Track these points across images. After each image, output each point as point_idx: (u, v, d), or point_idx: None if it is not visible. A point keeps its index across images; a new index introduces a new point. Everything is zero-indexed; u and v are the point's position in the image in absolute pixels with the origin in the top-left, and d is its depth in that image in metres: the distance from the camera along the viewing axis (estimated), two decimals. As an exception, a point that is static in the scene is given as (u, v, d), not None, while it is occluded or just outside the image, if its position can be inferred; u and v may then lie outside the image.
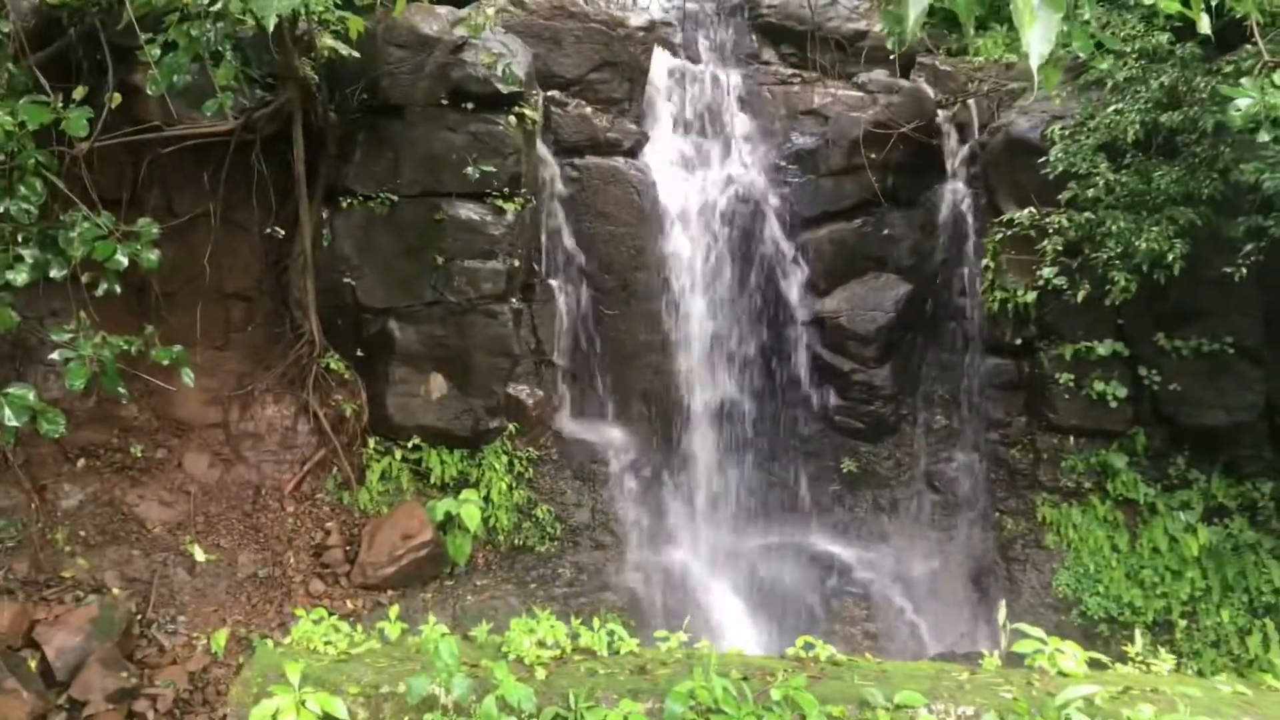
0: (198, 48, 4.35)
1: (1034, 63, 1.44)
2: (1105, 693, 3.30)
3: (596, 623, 3.88)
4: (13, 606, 6.01)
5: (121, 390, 4.55)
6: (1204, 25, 2.92)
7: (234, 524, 7.06)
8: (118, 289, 4.62)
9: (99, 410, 6.99)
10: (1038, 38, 1.40)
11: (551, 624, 3.80)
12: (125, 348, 4.42)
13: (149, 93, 4.75)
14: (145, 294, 6.93)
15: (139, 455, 7.06)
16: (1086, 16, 3.46)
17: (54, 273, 4.33)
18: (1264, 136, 4.06)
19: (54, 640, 5.98)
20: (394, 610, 4.13)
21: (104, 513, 6.81)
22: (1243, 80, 3.63)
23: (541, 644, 3.70)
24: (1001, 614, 3.75)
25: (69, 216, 4.41)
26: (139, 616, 6.40)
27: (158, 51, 4.34)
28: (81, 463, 6.90)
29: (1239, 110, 3.55)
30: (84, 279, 4.61)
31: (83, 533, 6.65)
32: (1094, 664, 3.72)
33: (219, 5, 4.26)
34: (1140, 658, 3.77)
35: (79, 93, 5.17)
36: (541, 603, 6.86)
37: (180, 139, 6.50)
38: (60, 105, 4.26)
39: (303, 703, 3.22)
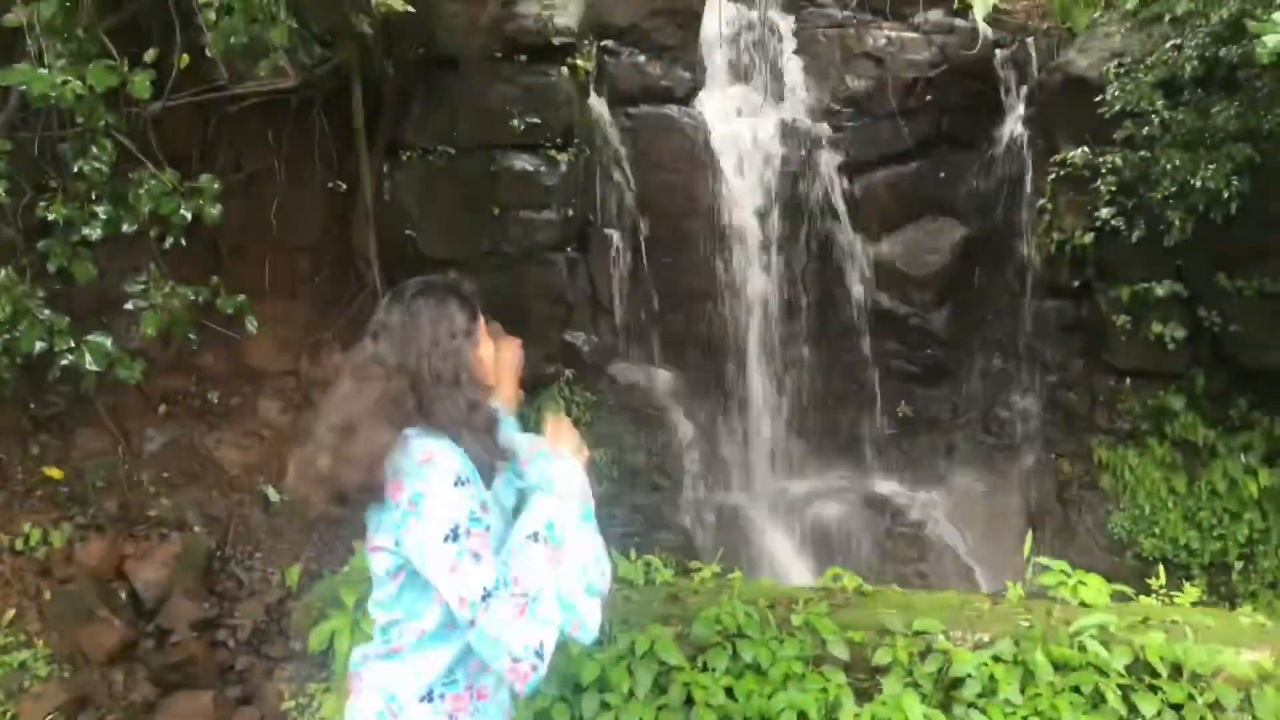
0: (253, 10, 4.57)
1: (979, 14, 1.51)
2: (1121, 621, 3.39)
3: (633, 553, 4.08)
4: (103, 542, 6.45)
5: (191, 336, 4.86)
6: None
7: (306, 466, 7.39)
8: (183, 242, 4.91)
9: (178, 360, 7.34)
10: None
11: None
12: (193, 297, 4.72)
13: (208, 54, 4.98)
14: (217, 249, 7.25)
15: (216, 402, 7.43)
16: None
17: (125, 227, 4.63)
18: (1292, 73, 3.98)
19: (141, 573, 6.41)
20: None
21: (184, 456, 7.20)
22: (1275, 16, 3.58)
23: (581, 574, 3.89)
24: (1026, 546, 3.86)
25: (136, 174, 4.70)
26: (218, 553, 6.81)
27: (213, 15, 4.57)
28: (163, 409, 7.29)
29: (1266, 47, 3.52)
30: (153, 234, 4.91)
31: (165, 474, 7.06)
32: (1119, 596, 3.81)
33: (271, -31, 4.46)
34: (1164, 591, 3.85)
35: (149, 55, 5.40)
36: (597, 542, 7.10)
37: (244, 98, 6.73)
38: (126, 68, 4.52)
39: (356, 623, 3.48)
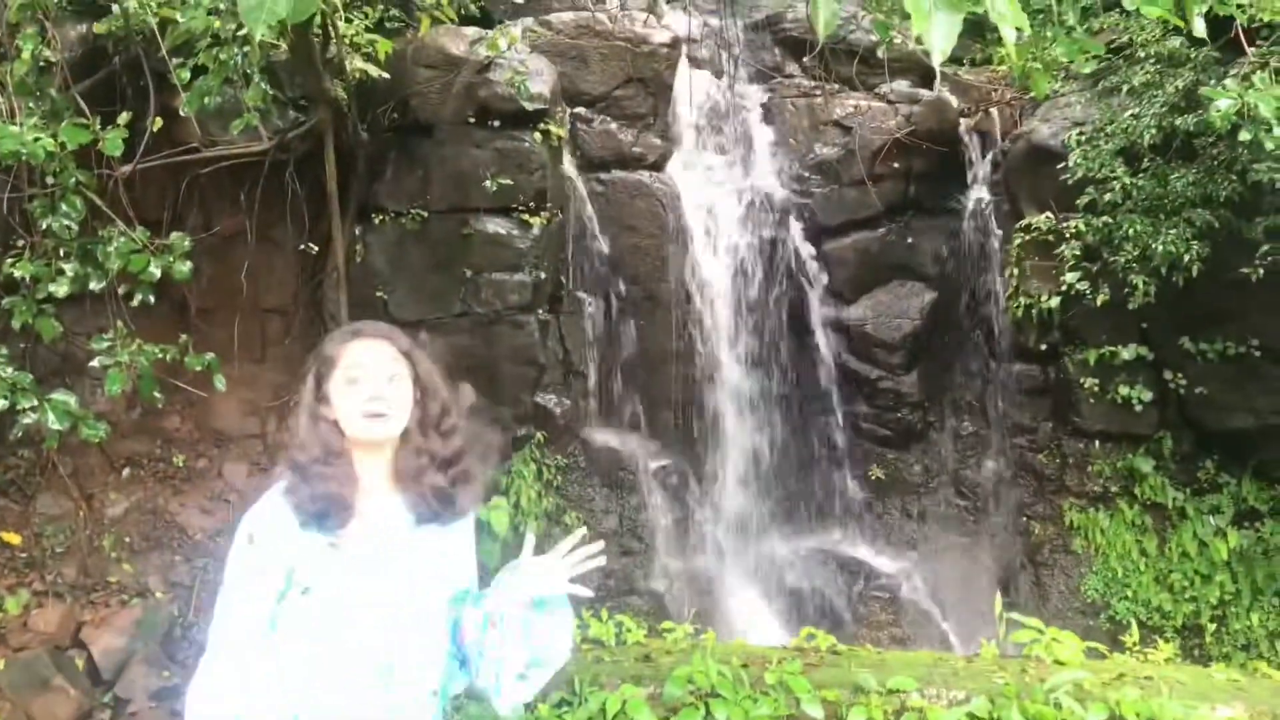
0: (226, 71, 4.60)
1: (935, 60, 1.57)
2: (1095, 679, 3.37)
3: (604, 614, 4.02)
4: (61, 608, 6.29)
5: (158, 395, 4.80)
6: (1198, 28, 3.00)
7: (271, 531, 7.27)
8: (152, 299, 4.88)
9: (143, 422, 7.27)
10: (938, 36, 1.52)
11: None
12: (161, 355, 4.68)
13: (182, 115, 5.01)
14: (185, 311, 7.20)
15: (180, 465, 7.33)
16: (1071, 23, 3.56)
17: (93, 285, 4.61)
18: (1245, 136, 4.12)
19: (100, 641, 6.24)
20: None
21: (148, 520, 7.07)
22: (1226, 82, 3.70)
23: (551, 635, 3.84)
24: (998, 605, 3.84)
25: (106, 232, 4.69)
26: (181, 619, 6.66)
27: (187, 75, 4.60)
28: (126, 472, 7.17)
29: (1219, 111, 3.63)
30: (121, 291, 4.89)
31: (128, 539, 6.92)
32: (1093, 654, 3.80)
33: (245, 30, 4.49)
34: (1137, 648, 3.83)
35: (123, 118, 5.43)
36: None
37: (217, 160, 6.76)
38: (99, 127, 4.53)
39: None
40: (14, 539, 6.54)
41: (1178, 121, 6.74)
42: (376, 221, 7.58)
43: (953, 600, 8.25)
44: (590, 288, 8.26)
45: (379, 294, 7.57)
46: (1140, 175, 7.05)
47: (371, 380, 2.18)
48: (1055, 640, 3.72)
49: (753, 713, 3.28)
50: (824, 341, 8.69)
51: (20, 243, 4.59)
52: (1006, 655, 3.79)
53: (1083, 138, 7.51)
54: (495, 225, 7.58)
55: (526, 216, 7.58)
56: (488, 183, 7.36)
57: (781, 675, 3.38)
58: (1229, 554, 7.47)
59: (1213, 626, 7.36)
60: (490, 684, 2.21)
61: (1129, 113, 7.13)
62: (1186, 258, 6.62)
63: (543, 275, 7.70)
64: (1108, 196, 7.13)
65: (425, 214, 7.54)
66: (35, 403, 4.10)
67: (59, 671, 5.93)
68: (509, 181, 7.44)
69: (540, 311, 7.81)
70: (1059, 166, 7.54)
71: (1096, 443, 8.01)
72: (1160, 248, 6.68)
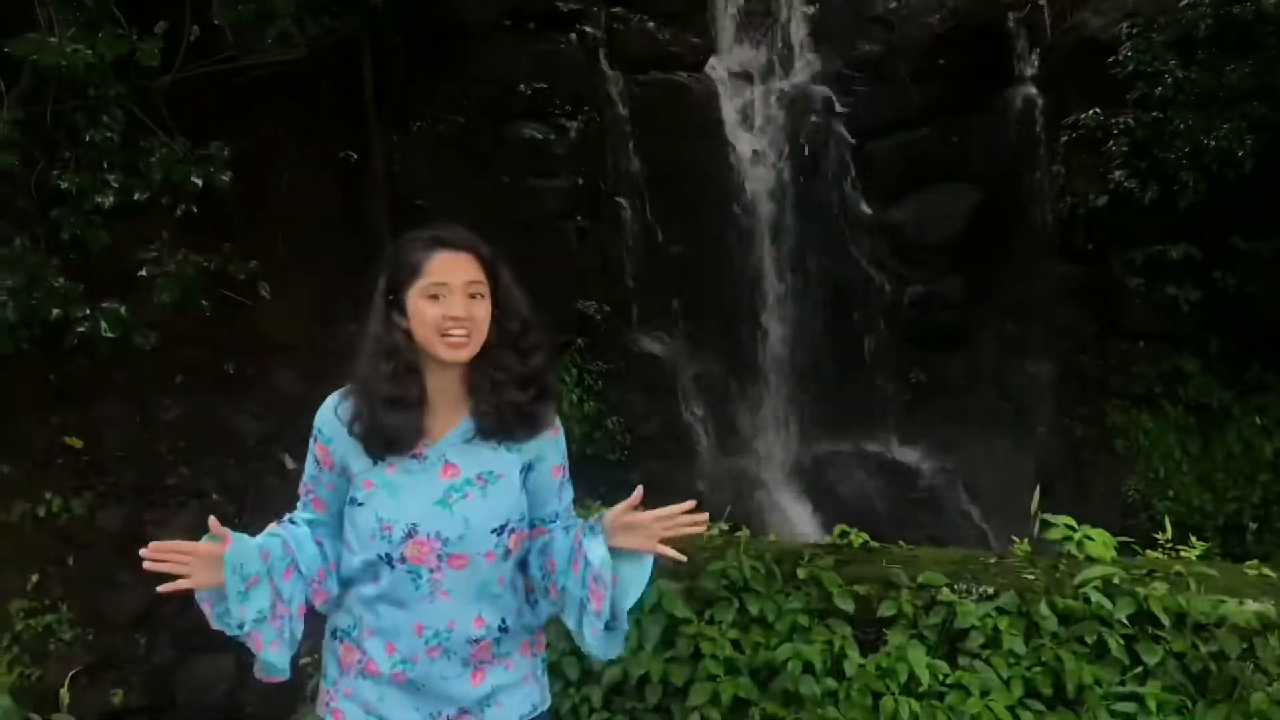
0: (260, -23, 4.58)
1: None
2: (1125, 574, 3.41)
3: (642, 513, 4.10)
4: (123, 509, 6.57)
5: (205, 304, 4.91)
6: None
7: (321, 435, 7.46)
8: (194, 209, 4.96)
9: (194, 331, 7.37)
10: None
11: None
12: (206, 265, 4.77)
13: (216, 23, 5.01)
14: (230, 222, 7.25)
15: (232, 372, 7.49)
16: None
17: (137, 195, 4.69)
18: (1299, 23, 3.97)
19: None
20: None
21: (202, 426, 7.27)
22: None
23: (591, 531, 3.94)
24: (1034, 501, 3.86)
25: (148, 143, 4.74)
26: (236, 519, 6.90)
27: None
28: (180, 379, 7.34)
29: (1274, -4, 3.51)
30: (164, 202, 4.96)
31: (183, 444, 7.13)
32: (1127, 551, 3.82)
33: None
34: (1170, 544, 3.85)
35: (159, 27, 5.43)
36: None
37: (254, 69, 6.75)
38: (136, 39, 4.56)
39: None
40: (76, 443, 6.77)
41: (1235, 10, 6.49)
42: (414, 128, 7.57)
43: (992, 502, 8.29)
44: (629, 192, 8.21)
45: (418, 201, 7.59)
46: (1194, 67, 6.82)
47: (455, 296, 2.01)
48: (1088, 537, 3.74)
49: (785, 606, 3.36)
50: (865, 244, 8.60)
51: (66, 155, 4.67)
52: (1041, 554, 3.82)
53: (1135, 30, 7.26)
54: (532, 130, 7.54)
55: (564, 121, 7.53)
56: (523, 86, 7.30)
57: (814, 570, 3.45)
58: (1273, 454, 7.41)
59: (1254, 526, 7.36)
60: (575, 626, 2.15)
61: (1184, 2, 6.87)
62: (1240, 153, 6.43)
63: (581, 180, 7.67)
64: (1159, 91, 6.92)
65: (462, 120, 7.51)
66: (88, 312, 4.22)
67: (124, 568, 6.21)
68: (545, 85, 7.37)
69: (579, 217, 7.79)
70: (1109, 60, 7.30)
71: (1141, 343, 7.94)
72: (1213, 143, 6.49)
